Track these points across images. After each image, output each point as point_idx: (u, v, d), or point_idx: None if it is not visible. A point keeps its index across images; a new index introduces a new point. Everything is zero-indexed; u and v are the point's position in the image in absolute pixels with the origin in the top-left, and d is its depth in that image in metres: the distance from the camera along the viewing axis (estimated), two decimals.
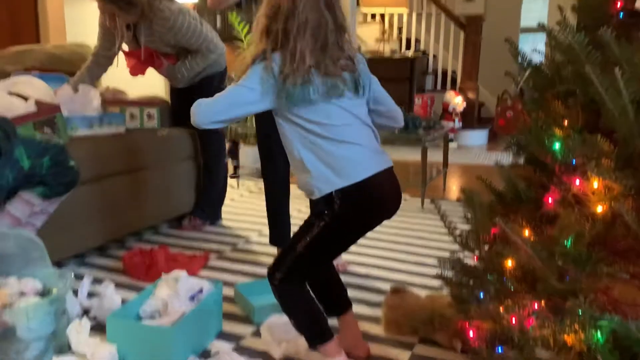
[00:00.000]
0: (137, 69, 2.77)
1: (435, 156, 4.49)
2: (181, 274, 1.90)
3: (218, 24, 4.48)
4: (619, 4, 1.22)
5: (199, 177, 3.06)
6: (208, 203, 3.05)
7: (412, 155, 5.04)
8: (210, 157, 3.00)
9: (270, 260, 2.47)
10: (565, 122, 1.27)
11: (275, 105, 1.46)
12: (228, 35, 4.32)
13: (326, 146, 1.45)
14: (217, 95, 1.48)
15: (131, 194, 2.64)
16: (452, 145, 5.55)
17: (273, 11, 1.44)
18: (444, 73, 6.51)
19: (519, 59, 1.41)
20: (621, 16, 1.22)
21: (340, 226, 1.50)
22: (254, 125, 2.42)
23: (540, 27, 1.44)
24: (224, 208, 3.16)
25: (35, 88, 2.42)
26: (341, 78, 1.45)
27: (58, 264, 2.29)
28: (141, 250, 2.45)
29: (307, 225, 1.53)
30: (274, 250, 2.48)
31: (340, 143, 1.46)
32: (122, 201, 2.59)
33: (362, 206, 1.49)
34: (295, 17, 1.41)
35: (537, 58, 1.44)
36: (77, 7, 3.67)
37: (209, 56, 2.74)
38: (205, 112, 1.46)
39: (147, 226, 2.83)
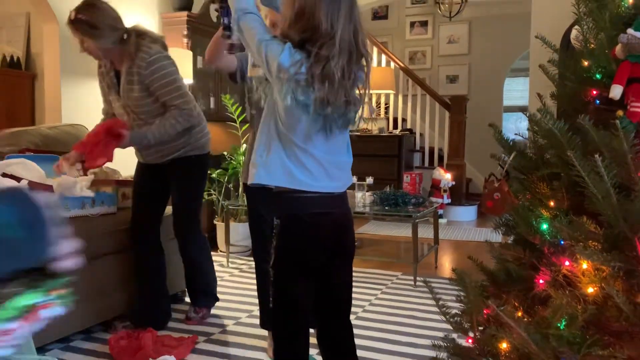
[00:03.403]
0: (95, 155, 2.32)
1: (425, 232, 4.51)
2: (169, 359, 1.85)
3: (212, 105, 4.60)
4: (594, 92, 1.28)
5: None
6: (206, 284, 2.82)
7: (402, 231, 5.08)
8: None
9: (261, 344, 2.43)
10: (552, 204, 1.30)
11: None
12: (221, 117, 4.44)
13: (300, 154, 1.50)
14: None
15: (120, 275, 2.60)
16: (441, 221, 5.60)
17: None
18: (431, 151, 6.66)
19: (503, 142, 1.46)
20: (597, 103, 1.28)
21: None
22: (245, 202, 2.42)
23: (522, 112, 1.51)
24: None
25: (28, 170, 2.45)
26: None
27: (42, 348, 2.22)
28: (128, 333, 2.39)
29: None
30: (264, 332, 2.42)
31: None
32: (111, 282, 2.55)
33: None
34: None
35: (520, 139, 1.50)
36: (73, 88, 3.77)
37: (188, 120, 2.41)
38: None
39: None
